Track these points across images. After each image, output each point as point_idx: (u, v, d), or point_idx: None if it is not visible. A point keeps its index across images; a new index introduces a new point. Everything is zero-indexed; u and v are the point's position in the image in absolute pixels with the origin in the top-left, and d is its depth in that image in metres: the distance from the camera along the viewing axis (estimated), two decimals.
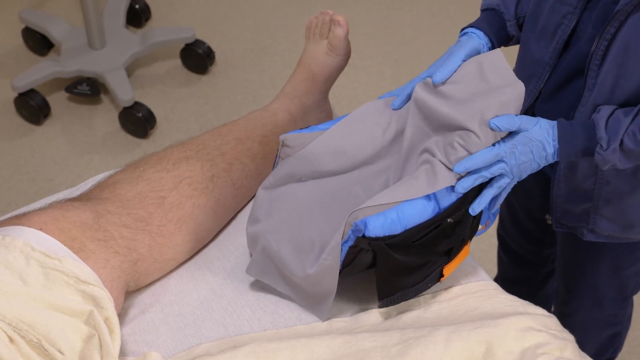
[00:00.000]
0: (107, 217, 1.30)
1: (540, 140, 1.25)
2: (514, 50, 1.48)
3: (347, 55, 1.53)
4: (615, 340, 1.73)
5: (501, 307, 1.28)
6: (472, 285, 1.34)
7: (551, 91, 1.38)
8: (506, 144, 1.25)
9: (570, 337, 1.25)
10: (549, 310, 1.72)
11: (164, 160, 1.42)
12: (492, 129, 1.24)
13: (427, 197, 1.25)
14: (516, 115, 1.26)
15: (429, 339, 1.20)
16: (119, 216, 1.31)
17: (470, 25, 1.40)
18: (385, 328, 1.27)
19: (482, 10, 1.44)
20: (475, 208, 1.26)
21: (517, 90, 1.27)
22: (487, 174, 1.25)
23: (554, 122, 1.26)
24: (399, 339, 1.22)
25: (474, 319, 1.24)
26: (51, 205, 1.31)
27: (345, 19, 1.49)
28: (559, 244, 1.61)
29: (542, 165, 1.27)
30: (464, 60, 1.32)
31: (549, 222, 1.51)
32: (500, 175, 1.26)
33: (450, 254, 1.29)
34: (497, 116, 1.24)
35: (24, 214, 1.28)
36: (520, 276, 1.83)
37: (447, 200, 1.26)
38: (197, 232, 1.40)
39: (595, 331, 1.70)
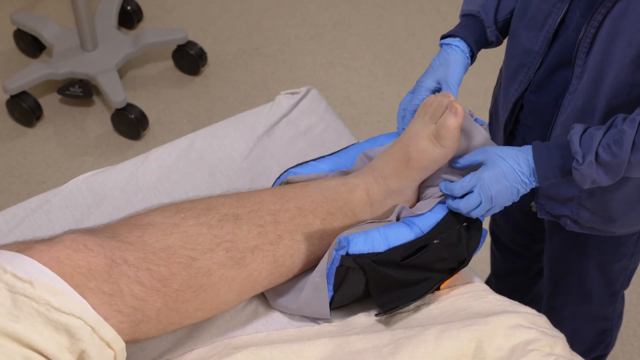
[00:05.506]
0: (121, 268, 1.14)
1: (510, 158, 1.26)
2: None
3: (453, 149, 1.30)
4: (606, 337, 1.73)
5: (490, 307, 1.28)
6: (462, 287, 1.35)
7: (540, 81, 1.39)
8: (476, 172, 1.27)
9: (560, 335, 1.26)
10: (541, 308, 1.73)
11: (211, 212, 1.26)
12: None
13: (408, 225, 1.30)
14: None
15: (420, 338, 1.20)
16: (136, 270, 1.15)
17: (451, 35, 1.41)
18: (376, 329, 1.28)
19: (462, 16, 1.45)
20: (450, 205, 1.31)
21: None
22: (463, 210, 1.28)
23: (529, 146, 1.27)
24: (390, 339, 1.22)
25: (463, 318, 1.25)
26: (64, 238, 1.14)
27: (463, 110, 1.27)
28: (547, 236, 1.62)
29: (521, 191, 1.27)
30: (459, 83, 1.37)
31: (534, 209, 1.53)
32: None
33: (452, 272, 1.31)
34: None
35: (29, 245, 1.14)
36: (512, 271, 1.84)
37: (427, 223, 1.29)
38: (212, 303, 1.24)
39: (584, 326, 1.71)
